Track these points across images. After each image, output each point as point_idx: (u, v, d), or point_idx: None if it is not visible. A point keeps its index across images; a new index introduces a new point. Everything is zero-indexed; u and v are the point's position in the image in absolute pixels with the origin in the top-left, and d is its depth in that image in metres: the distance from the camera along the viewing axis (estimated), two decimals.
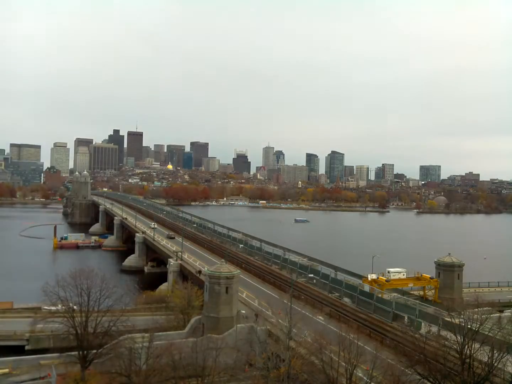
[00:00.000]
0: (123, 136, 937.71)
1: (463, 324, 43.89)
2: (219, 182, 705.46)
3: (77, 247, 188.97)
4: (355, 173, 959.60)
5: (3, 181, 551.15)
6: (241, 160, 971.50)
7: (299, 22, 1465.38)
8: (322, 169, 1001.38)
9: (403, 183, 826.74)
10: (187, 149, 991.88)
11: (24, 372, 58.07)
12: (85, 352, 55.49)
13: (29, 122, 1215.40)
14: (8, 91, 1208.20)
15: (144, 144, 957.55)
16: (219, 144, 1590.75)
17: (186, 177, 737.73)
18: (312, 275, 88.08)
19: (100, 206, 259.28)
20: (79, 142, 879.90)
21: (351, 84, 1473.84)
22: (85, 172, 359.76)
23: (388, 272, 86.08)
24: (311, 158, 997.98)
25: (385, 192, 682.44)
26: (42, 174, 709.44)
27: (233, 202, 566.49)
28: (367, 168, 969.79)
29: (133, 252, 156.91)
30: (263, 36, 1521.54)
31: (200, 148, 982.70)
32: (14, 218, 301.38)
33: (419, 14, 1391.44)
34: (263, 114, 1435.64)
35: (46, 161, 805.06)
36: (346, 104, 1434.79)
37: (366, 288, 78.30)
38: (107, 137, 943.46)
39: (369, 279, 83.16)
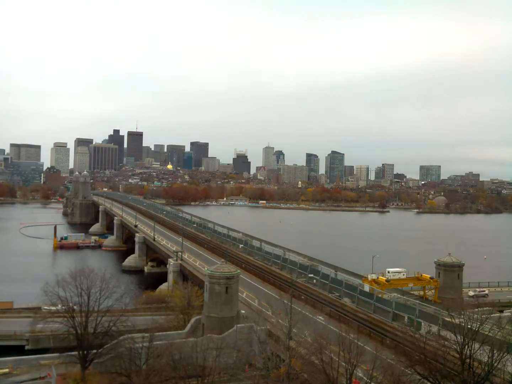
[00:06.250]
0: (123, 136, 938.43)
1: (463, 324, 43.88)
2: (219, 182, 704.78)
3: (77, 247, 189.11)
4: (355, 173, 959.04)
5: (3, 181, 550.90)
6: (241, 160, 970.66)
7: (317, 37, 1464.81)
8: (322, 169, 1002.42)
9: (403, 183, 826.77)
10: (187, 149, 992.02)
11: (24, 372, 58.12)
12: (85, 352, 55.48)
13: (29, 122, 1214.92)
14: (8, 90, 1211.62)
15: (144, 144, 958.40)
16: (219, 144, 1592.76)
17: (186, 177, 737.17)
18: (312, 275, 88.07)
19: (100, 206, 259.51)
20: (79, 142, 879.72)
21: (352, 82, 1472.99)
22: (85, 172, 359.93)
23: (388, 272, 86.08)
24: (311, 158, 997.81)
25: (385, 192, 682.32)
26: (42, 174, 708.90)
27: (233, 202, 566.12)
28: (367, 168, 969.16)
29: (133, 252, 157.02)
30: (266, 39, 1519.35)
31: (200, 148, 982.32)
32: (12, 219, 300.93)
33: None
34: (263, 114, 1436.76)
35: (46, 161, 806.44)
36: (347, 103, 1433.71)
37: (366, 288, 78.28)
38: (107, 137, 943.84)
39: (369, 279, 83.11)
